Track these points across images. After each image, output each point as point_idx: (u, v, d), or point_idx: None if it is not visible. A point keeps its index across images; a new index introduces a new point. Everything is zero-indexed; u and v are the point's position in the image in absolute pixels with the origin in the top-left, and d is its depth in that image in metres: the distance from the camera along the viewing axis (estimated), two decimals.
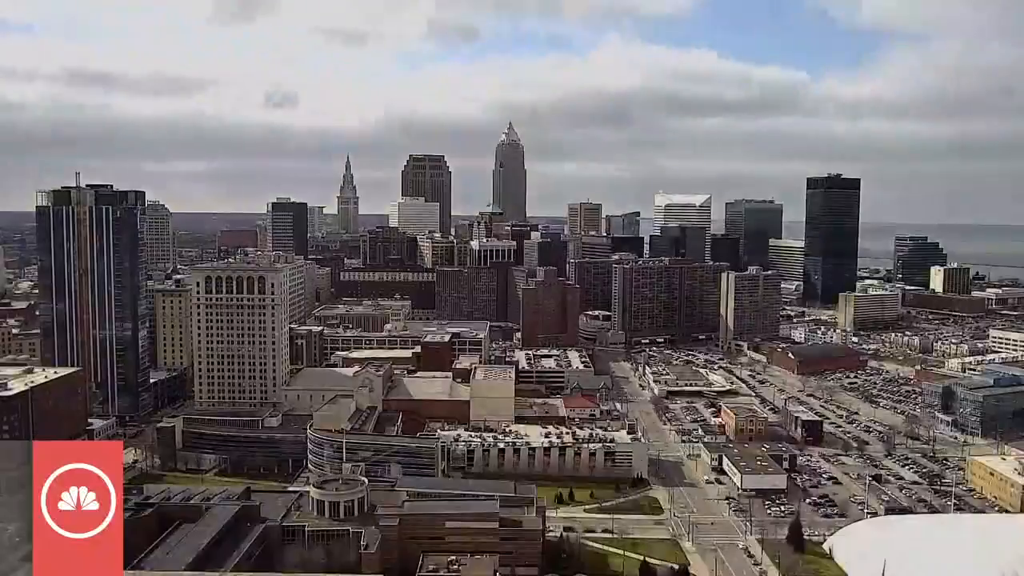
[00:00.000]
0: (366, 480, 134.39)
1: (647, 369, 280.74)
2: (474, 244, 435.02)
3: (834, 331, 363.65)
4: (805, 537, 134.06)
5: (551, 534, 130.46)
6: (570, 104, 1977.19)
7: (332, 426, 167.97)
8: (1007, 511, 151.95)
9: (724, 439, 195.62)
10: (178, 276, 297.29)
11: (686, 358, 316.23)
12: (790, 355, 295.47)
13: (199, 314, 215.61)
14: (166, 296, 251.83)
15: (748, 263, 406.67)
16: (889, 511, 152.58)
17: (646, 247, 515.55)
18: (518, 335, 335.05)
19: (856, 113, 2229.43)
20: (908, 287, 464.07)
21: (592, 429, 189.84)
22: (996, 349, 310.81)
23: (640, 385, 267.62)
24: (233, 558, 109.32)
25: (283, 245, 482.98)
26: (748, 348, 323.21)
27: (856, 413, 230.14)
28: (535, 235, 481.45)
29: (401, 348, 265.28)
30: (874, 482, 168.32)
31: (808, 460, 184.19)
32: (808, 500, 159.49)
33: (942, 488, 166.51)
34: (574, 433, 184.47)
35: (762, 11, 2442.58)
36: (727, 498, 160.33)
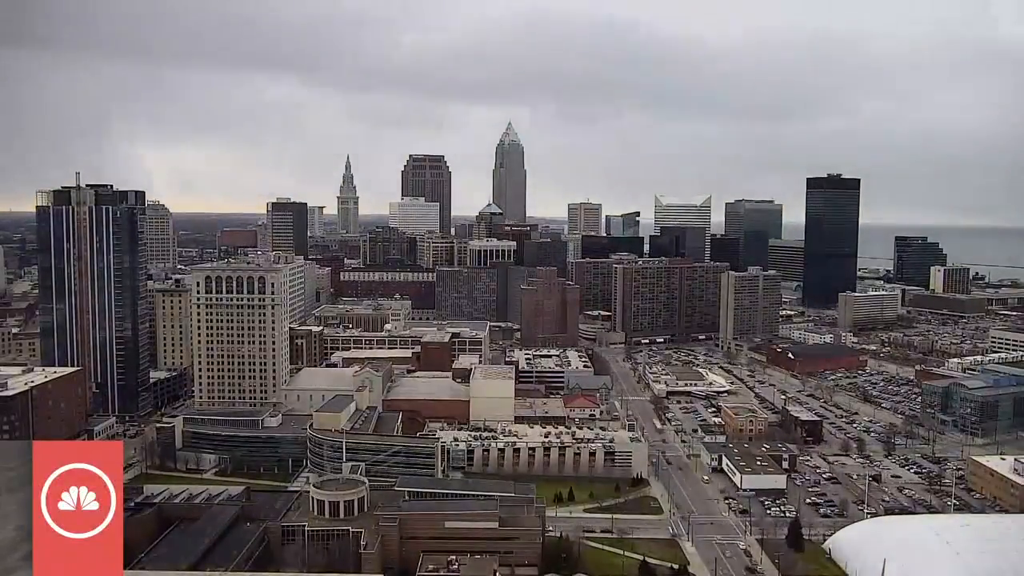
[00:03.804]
0: (366, 480, 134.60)
1: (647, 369, 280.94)
2: (474, 244, 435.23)
3: (834, 331, 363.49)
4: (805, 537, 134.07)
5: (551, 534, 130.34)
6: None
7: (332, 426, 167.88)
8: (1007, 511, 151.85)
9: (724, 439, 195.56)
10: (178, 276, 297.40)
11: (686, 358, 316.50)
12: (790, 355, 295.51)
13: (199, 314, 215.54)
14: (166, 296, 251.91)
15: (748, 263, 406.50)
16: (889, 511, 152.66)
17: (646, 247, 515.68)
18: (518, 335, 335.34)
19: None
20: (908, 287, 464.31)
21: (592, 429, 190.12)
22: (996, 349, 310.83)
23: (640, 385, 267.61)
24: (233, 558, 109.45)
25: (283, 245, 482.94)
26: (748, 348, 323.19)
27: (856, 413, 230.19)
28: (535, 235, 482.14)
29: (401, 348, 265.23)
30: (874, 482, 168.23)
31: (808, 460, 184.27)
32: (808, 500, 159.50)
33: (942, 488, 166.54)
34: (574, 433, 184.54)
35: None
36: (727, 498, 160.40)
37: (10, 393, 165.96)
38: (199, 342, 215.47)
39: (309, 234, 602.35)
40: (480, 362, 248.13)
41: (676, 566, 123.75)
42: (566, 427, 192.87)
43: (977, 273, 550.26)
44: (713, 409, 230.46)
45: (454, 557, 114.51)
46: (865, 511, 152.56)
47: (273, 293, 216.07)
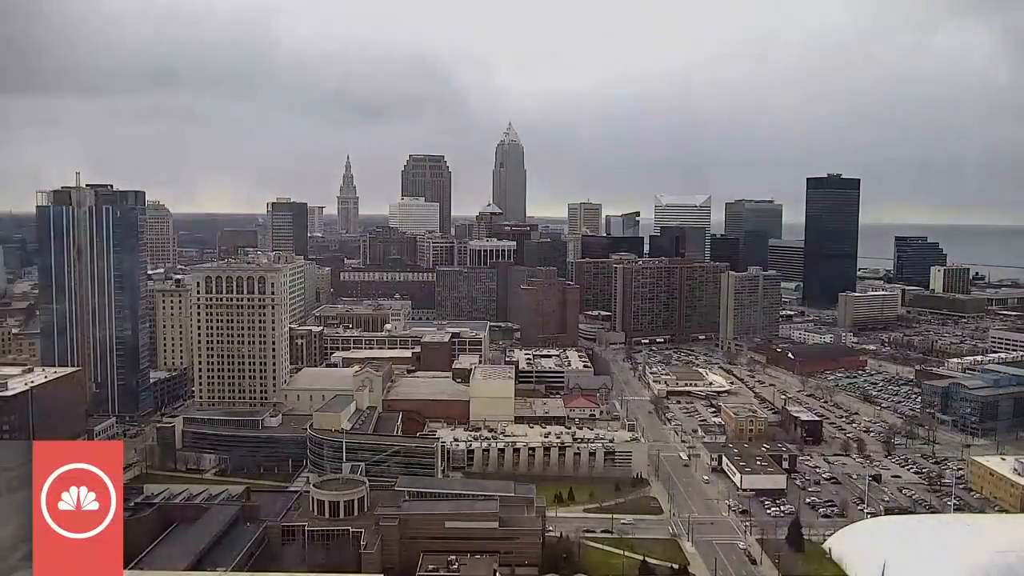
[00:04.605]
0: (366, 480, 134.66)
1: (647, 369, 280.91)
2: (474, 244, 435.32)
3: (834, 331, 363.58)
4: (805, 537, 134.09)
5: (551, 534, 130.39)
6: None
7: (332, 426, 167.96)
8: (1007, 511, 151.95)
9: (724, 439, 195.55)
10: (178, 276, 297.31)
11: (686, 358, 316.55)
12: (790, 355, 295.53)
13: (199, 314, 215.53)
14: (166, 296, 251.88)
15: (748, 263, 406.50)
16: (889, 511, 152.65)
17: (646, 247, 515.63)
18: (518, 335, 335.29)
19: None
20: (908, 287, 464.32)
21: (592, 429, 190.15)
22: (996, 349, 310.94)
23: (640, 385, 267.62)
24: (233, 558, 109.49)
25: (283, 245, 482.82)
26: (748, 348, 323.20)
27: (856, 413, 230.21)
28: (535, 235, 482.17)
29: (401, 348, 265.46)
30: (874, 482, 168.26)
31: (808, 460, 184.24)
32: (808, 500, 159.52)
33: (942, 488, 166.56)
34: (574, 433, 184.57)
35: None
36: (727, 498, 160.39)
37: (10, 393, 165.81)
38: (199, 342, 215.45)
39: (309, 234, 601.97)
40: (480, 362, 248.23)
41: (676, 566, 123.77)
42: (566, 427, 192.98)
43: (977, 273, 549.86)
44: (713, 409, 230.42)
45: (454, 557, 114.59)
46: (865, 511, 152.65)
47: (273, 293, 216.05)
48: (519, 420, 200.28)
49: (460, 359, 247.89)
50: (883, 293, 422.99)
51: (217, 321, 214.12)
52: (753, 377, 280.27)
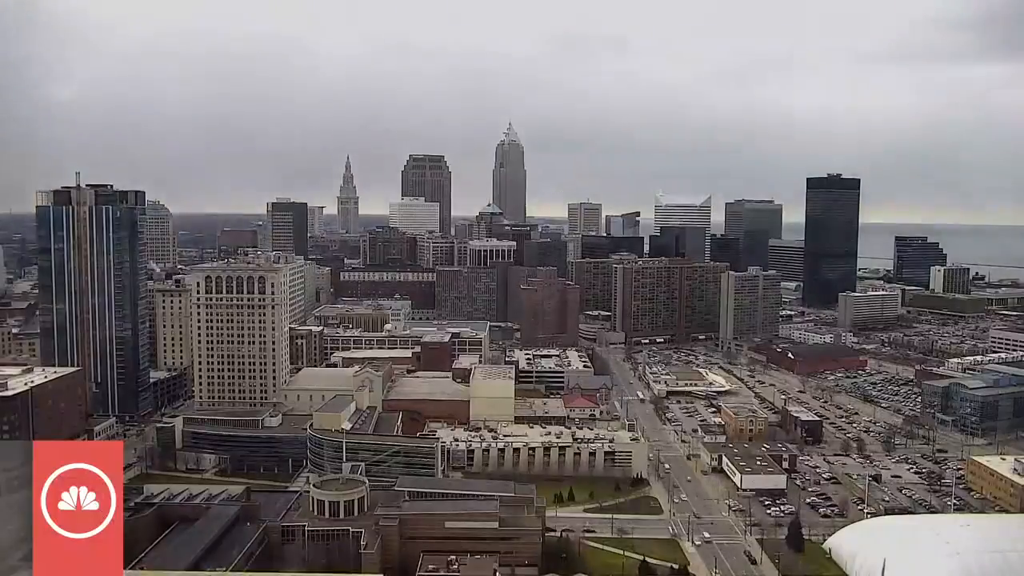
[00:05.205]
0: (366, 480, 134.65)
1: (647, 369, 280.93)
2: (474, 244, 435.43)
3: (834, 331, 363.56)
4: (805, 537, 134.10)
5: (551, 534, 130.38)
6: None
7: (332, 426, 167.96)
8: (1007, 511, 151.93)
9: (724, 439, 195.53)
10: (178, 276, 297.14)
11: (686, 358, 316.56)
12: (790, 355, 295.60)
13: (199, 314, 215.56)
14: (166, 296, 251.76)
15: (748, 263, 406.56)
16: (889, 511, 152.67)
17: (646, 247, 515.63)
18: (518, 335, 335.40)
19: None
20: (908, 287, 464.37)
21: (592, 429, 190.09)
22: (996, 349, 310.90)
23: (640, 385, 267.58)
24: (233, 558, 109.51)
25: (283, 245, 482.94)
26: (748, 348, 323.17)
27: (856, 413, 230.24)
28: (535, 235, 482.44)
29: (401, 348, 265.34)
30: (874, 482, 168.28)
31: (808, 460, 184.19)
32: (808, 500, 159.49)
33: (942, 488, 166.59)
34: (574, 433, 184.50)
35: None
36: (727, 498, 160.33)
37: (10, 393, 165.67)
38: (199, 342, 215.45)
39: (309, 234, 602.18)
40: (480, 362, 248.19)
41: (676, 566, 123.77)
42: (566, 427, 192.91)
43: (977, 273, 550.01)
44: (713, 409, 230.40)
45: (454, 557, 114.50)
46: (865, 511, 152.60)
47: (273, 293, 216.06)
48: (519, 420, 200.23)
49: (460, 359, 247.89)
50: (883, 293, 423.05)
51: (217, 321, 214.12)
52: (753, 377, 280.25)
